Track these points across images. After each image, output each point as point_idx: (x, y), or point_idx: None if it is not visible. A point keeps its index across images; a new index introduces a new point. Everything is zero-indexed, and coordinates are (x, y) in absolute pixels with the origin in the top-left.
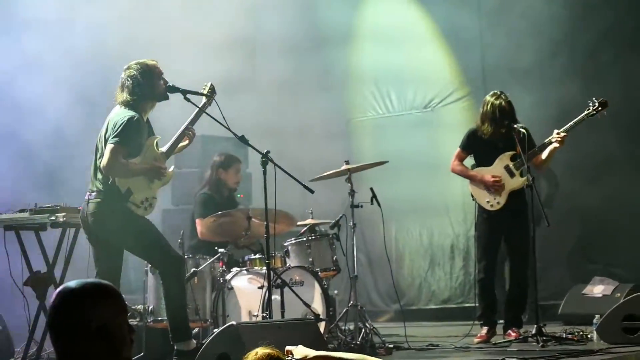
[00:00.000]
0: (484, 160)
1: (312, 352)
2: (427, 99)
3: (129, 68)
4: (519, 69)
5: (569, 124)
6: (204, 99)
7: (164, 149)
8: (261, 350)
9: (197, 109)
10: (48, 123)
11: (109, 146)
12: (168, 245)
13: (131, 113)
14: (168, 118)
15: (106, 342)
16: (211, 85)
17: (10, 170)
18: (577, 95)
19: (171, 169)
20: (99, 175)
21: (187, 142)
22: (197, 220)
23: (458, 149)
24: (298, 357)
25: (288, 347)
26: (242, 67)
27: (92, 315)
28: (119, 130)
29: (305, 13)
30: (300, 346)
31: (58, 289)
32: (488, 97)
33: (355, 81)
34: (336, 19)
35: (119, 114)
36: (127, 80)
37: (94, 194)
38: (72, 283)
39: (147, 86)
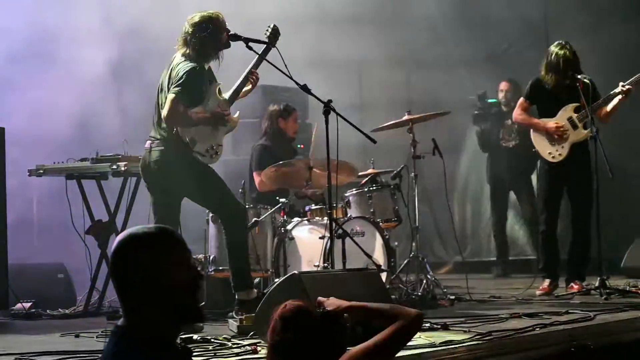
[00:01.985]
0: (547, 111)
1: (345, 303)
2: (489, 48)
3: (193, 24)
4: (582, 18)
5: (634, 77)
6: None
7: (226, 95)
8: (290, 303)
9: (262, 50)
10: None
11: (170, 96)
12: (232, 194)
13: (192, 64)
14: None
15: (150, 293)
16: (274, 26)
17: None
18: None
19: (236, 114)
20: (163, 124)
21: (250, 86)
22: (255, 173)
23: (521, 99)
24: (330, 308)
25: (320, 298)
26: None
27: (136, 264)
28: (180, 80)
29: None
30: (332, 298)
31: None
32: (552, 47)
33: (417, 32)
34: None
35: (181, 64)
36: (193, 37)
37: (157, 142)
38: (131, 229)
39: (212, 42)
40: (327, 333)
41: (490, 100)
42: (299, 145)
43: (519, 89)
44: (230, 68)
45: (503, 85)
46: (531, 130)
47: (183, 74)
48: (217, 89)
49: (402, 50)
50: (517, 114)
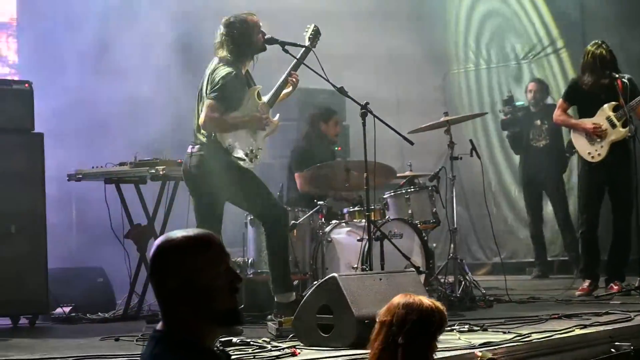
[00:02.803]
0: (586, 111)
1: None
2: (525, 50)
3: (227, 25)
4: (618, 18)
5: None
6: (306, 45)
7: (265, 98)
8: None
9: (300, 54)
10: None
11: (207, 102)
12: (274, 198)
13: (228, 69)
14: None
15: (188, 297)
16: (314, 27)
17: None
18: None
19: (276, 117)
20: (202, 130)
21: (290, 88)
22: (297, 174)
23: (560, 100)
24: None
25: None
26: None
27: (173, 268)
28: (217, 86)
29: None
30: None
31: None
32: (589, 47)
33: (453, 33)
34: None
35: (217, 70)
36: (226, 38)
37: (197, 146)
38: (169, 233)
39: (246, 43)
40: None
41: (517, 104)
42: (336, 148)
43: (546, 89)
44: (271, 70)
45: (531, 86)
46: (571, 130)
47: (219, 80)
48: (256, 92)
49: (439, 49)
50: (557, 115)
